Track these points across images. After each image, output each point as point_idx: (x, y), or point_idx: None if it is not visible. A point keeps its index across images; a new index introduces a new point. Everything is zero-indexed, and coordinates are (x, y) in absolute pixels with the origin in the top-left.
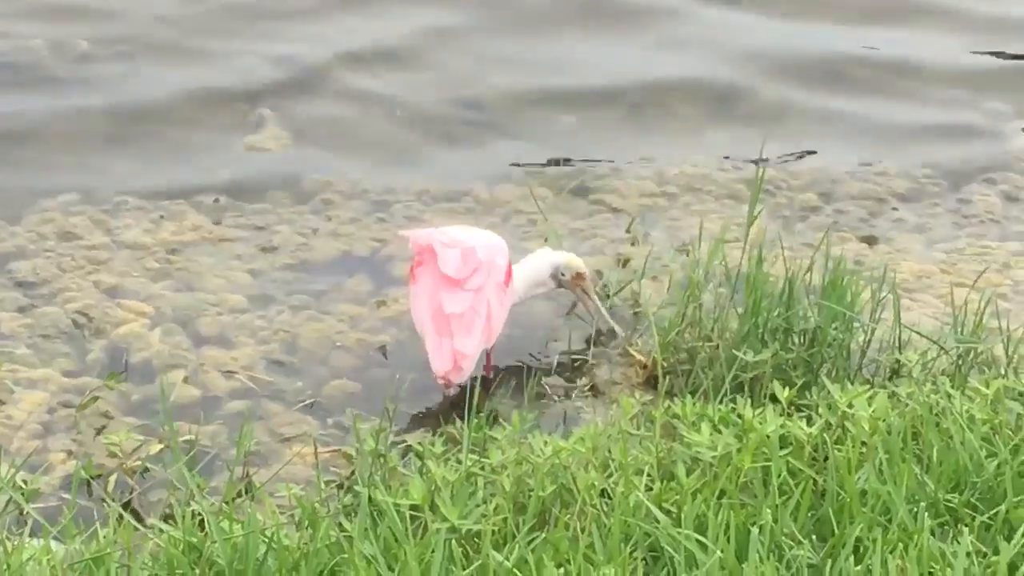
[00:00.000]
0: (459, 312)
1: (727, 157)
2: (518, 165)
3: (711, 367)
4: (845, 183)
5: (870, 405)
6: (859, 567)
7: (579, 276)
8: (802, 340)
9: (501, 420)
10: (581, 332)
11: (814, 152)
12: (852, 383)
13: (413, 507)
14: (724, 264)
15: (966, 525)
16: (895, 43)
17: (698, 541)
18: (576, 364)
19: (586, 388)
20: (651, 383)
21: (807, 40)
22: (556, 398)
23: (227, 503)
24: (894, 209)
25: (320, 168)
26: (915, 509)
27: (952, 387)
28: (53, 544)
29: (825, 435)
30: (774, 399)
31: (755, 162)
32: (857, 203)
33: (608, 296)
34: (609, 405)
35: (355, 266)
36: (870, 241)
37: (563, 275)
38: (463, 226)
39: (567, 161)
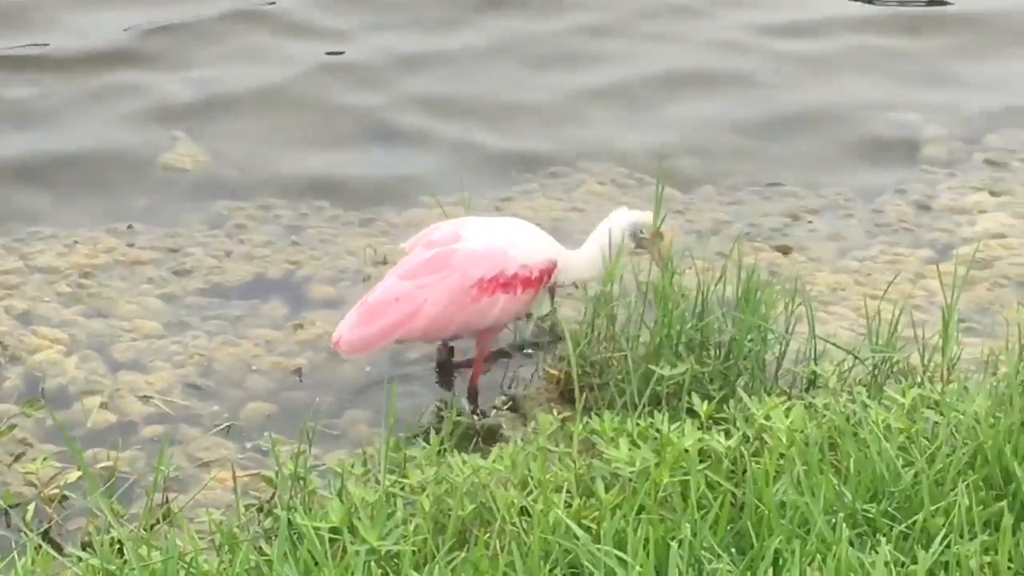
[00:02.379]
0: (369, 300)
1: (635, 169)
2: (429, 183)
3: (627, 382)
4: (755, 200)
5: (787, 417)
6: None
7: (657, 234)
8: (718, 353)
9: (420, 440)
10: (499, 349)
11: (726, 164)
12: (769, 395)
13: (333, 529)
14: (635, 277)
15: (884, 535)
16: (808, 52)
17: (618, 557)
18: (495, 381)
19: (505, 405)
20: (569, 398)
21: (712, 52)
22: (475, 416)
23: (146, 529)
24: (809, 222)
25: (233, 190)
26: (833, 520)
27: (868, 397)
28: None
29: (743, 448)
30: (692, 413)
31: (657, 176)
32: (769, 217)
33: (529, 315)
34: (528, 422)
35: (270, 289)
36: (784, 251)
37: (641, 233)
38: (506, 221)
39: (478, 178)
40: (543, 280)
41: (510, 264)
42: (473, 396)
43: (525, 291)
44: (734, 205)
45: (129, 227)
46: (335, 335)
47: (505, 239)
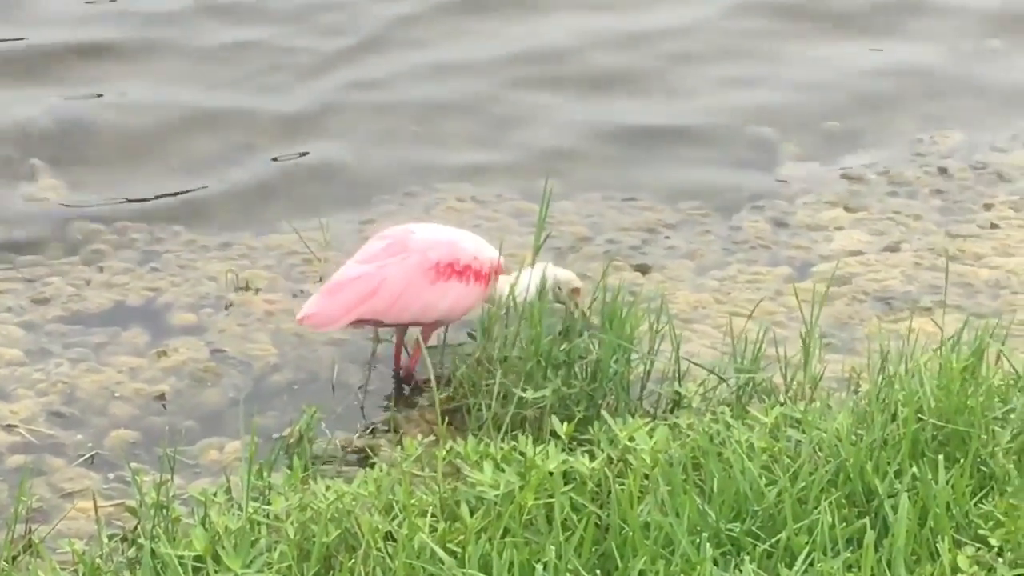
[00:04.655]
0: (331, 280)
1: (491, 186)
2: (287, 207)
3: (499, 404)
4: (614, 214)
5: (651, 438)
6: None
7: (574, 292)
8: (584, 373)
9: (285, 465)
10: (372, 372)
11: (583, 178)
12: (633, 416)
13: (196, 558)
14: (512, 300)
15: (748, 553)
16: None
17: None
18: (376, 402)
19: (370, 430)
20: (451, 420)
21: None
22: (339, 440)
23: (8, 561)
24: (666, 237)
25: (90, 216)
26: (697, 540)
27: (732, 417)
28: None
29: (607, 470)
30: (557, 435)
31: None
32: (628, 232)
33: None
34: (395, 445)
35: (130, 316)
36: (643, 269)
37: (559, 290)
38: (460, 232)
39: (335, 203)
40: (490, 277)
41: (463, 253)
42: (407, 379)
43: (476, 283)
44: (592, 218)
45: None
46: (299, 315)
47: (454, 234)
